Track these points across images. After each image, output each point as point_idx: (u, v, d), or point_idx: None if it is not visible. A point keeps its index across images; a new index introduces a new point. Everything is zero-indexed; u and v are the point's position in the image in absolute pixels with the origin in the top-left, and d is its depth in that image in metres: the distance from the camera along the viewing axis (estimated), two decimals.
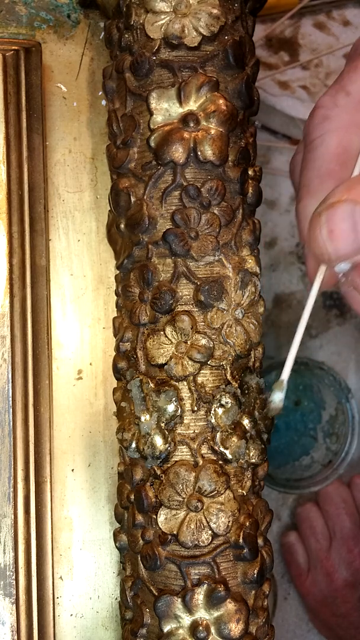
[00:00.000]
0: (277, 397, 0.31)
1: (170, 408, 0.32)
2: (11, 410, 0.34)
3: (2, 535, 0.34)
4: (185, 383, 0.32)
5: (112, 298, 0.38)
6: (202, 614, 0.31)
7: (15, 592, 0.34)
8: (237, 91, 0.33)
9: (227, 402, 0.32)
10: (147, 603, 0.32)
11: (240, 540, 0.31)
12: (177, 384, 0.32)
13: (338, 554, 0.66)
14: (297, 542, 0.68)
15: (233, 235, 0.33)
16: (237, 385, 0.32)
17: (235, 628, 0.31)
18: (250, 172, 0.34)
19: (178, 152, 0.32)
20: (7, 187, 0.35)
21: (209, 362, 0.32)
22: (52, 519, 0.35)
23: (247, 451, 0.32)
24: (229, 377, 0.32)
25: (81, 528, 0.37)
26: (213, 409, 0.32)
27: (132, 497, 0.33)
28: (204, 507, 0.31)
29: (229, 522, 0.32)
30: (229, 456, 0.32)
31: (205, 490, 0.31)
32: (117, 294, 0.36)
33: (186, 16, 0.32)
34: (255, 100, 0.34)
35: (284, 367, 0.31)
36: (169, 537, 0.31)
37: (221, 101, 0.32)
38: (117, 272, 0.35)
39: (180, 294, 0.32)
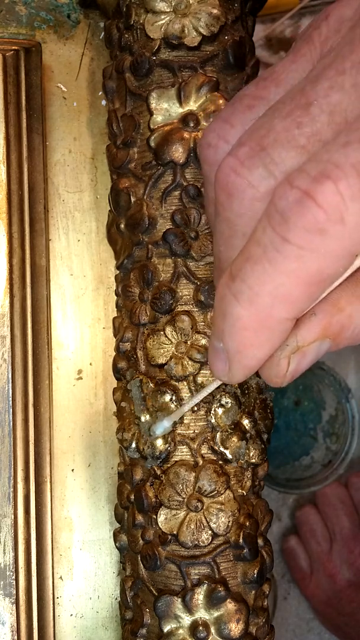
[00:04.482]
0: (159, 429, 0.31)
1: (171, 408, 0.32)
2: (11, 410, 0.34)
3: (2, 535, 0.34)
4: (185, 383, 0.32)
5: (112, 298, 0.38)
6: (202, 614, 0.31)
7: (15, 592, 0.34)
8: (237, 91, 0.33)
9: (227, 402, 0.32)
10: (147, 603, 0.32)
11: (240, 540, 0.31)
12: (177, 384, 0.32)
13: (339, 555, 0.66)
14: (298, 546, 0.68)
15: None
16: (237, 385, 0.32)
17: (235, 628, 0.31)
18: None
19: (178, 152, 0.32)
20: (7, 187, 0.35)
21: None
22: (52, 519, 0.35)
23: (247, 451, 0.32)
24: None
25: (81, 528, 0.37)
26: (213, 409, 0.32)
27: (132, 497, 0.33)
28: (204, 507, 0.31)
29: (229, 522, 0.32)
30: (229, 456, 0.32)
31: (205, 490, 0.31)
32: (117, 294, 0.36)
33: (186, 16, 0.32)
34: None
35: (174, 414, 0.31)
36: (169, 537, 0.31)
37: (221, 101, 0.32)
38: (117, 272, 0.35)
39: (180, 294, 0.32)
